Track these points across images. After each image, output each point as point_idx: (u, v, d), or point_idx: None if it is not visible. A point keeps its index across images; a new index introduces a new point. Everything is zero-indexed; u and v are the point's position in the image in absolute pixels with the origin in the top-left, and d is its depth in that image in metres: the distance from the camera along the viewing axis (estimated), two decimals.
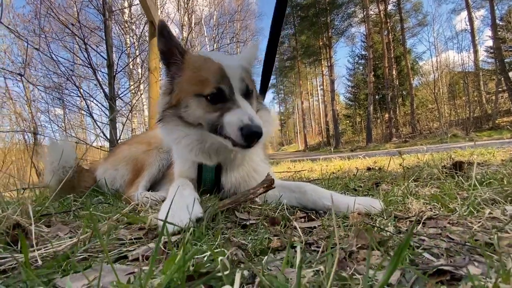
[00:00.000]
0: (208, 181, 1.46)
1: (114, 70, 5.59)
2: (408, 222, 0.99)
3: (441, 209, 1.10)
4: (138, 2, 4.04)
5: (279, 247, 0.80)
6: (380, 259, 0.69)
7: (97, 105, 6.18)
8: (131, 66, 10.97)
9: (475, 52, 21.69)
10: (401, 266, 0.61)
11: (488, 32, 21.52)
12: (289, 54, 39.77)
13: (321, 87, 40.07)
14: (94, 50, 5.95)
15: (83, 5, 6.39)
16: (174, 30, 16.31)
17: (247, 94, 1.25)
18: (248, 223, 1.04)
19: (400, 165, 2.28)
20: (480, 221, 0.91)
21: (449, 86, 24.18)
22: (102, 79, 5.81)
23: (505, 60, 19.31)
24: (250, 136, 1.08)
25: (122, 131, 6.06)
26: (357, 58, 33.37)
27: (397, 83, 27.12)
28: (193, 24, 16.39)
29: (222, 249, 0.70)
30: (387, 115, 25.85)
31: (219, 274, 0.49)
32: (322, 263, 0.63)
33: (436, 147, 8.71)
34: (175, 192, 1.09)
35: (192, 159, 1.41)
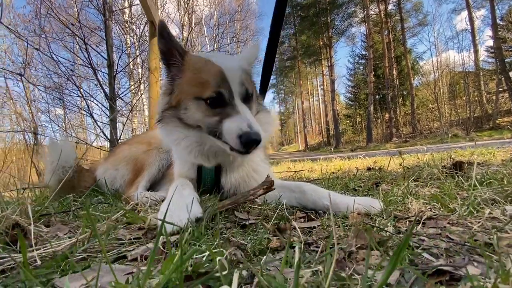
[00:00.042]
0: (208, 181, 1.46)
1: (115, 70, 5.59)
2: (407, 222, 0.99)
3: (441, 209, 1.10)
4: (139, 2, 4.05)
5: (278, 247, 0.80)
6: (379, 259, 0.69)
7: (97, 105, 6.18)
8: (131, 66, 10.96)
9: (476, 52, 21.69)
10: (400, 266, 0.61)
11: (489, 32, 21.51)
12: (290, 54, 39.79)
13: (322, 87, 40.07)
14: (95, 50, 5.96)
15: (84, 5, 6.39)
16: (175, 30, 16.33)
17: (247, 97, 1.25)
18: (247, 223, 1.04)
19: (400, 165, 2.28)
20: (480, 221, 0.91)
21: (450, 86, 24.15)
22: (102, 79, 5.82)
23: (506, 60, 19.29)
24: (249, 143, 1.09)
25: (122, 131, 6.07)
26: (357, 58, 33.39)
27: (398, 83, 27.09)
28: (193, 24, 16.39)
29: (221, 249, 0.70)
30: (387, 115, 25.83)
31: (218, 274, 0.49)
32: (321, 263, 0.63)
33: (437, 147, 8.70)
34: (174, 192, 1.09)
35: (191, 160, 1.41)
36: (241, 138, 1.08)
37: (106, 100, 5.52)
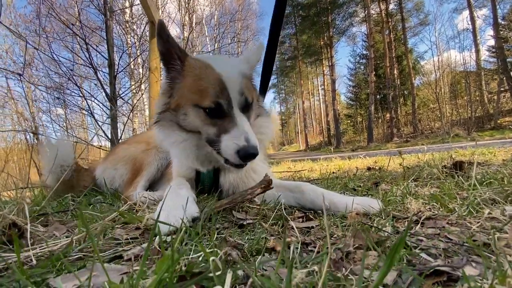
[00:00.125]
0: (206, 181, 1.46)
1: (115, 70, 5.60)
2: (406, 222, 0.99)
3: (440, 209, 1.09)
4: (139, 2, 4.05)
5: (275, 246, 0.79)
6: (377, 259, 0.68)
7: (98, 105, 6.18)
8: (132, 66, 10.97)
9: (477, 51, 21.58)
10: (398, 267, 0.61)
11: (490, 31, 21.52)
12: (290, 54, 39.73)
13: (322, 86, 40.05)
14: (95, 50, 5.97)
15: (84, 5, 6.41)
16: (175, 30, 16.38)
17: (246, 106, 1.24)
18: (245, 223, 1.03)
19: (400, 164, 2.27)
20: (479, 221, 0.90)
21: (451, 86, 24.04)
22: (103, 79, 5.82)
23: (507, 60, 19.19)
24: (247, 157, 1.11)
25: (123, 131, 6.08)
26: (358, 58, 33.30)
27: (399, 82, 26.99)
28: (194, 24, 16.39)
29: (215, 249, 0.70)
30: (388, 115, 25.74)
31: (211, 274, 0.49)
32: (317, 264, 0.63)
33: (438, 147, 8.68)
34: (170, 191, 1.09)
35: (188, 165, 1.43)
36: (239, 152, 1.11)
37: (107, 100, 5.53)
